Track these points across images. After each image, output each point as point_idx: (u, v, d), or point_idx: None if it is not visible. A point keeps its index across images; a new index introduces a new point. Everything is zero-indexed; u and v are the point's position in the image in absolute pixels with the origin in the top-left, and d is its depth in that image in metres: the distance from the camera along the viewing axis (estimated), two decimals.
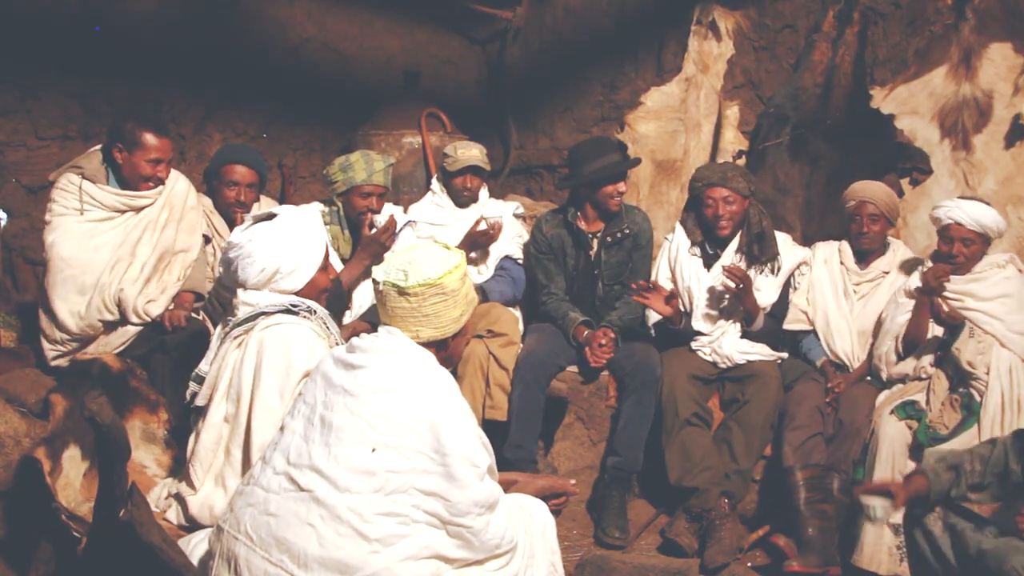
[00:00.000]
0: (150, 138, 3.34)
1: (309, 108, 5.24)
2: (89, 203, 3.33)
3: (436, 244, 2.25)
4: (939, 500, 2.54)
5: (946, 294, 3.43)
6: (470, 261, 4.00)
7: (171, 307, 3.40)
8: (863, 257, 3.80)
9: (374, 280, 2.15)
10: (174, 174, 3.52)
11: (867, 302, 3.73)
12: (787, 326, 3.83)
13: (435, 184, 4.29)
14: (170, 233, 3.46)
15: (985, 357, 3.33)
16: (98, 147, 3.46)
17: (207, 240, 3.66)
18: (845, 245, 3.83)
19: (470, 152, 4.12)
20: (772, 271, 3.75)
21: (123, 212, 3.39)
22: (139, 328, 3.37)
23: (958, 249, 3.43)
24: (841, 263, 3.82)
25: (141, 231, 3.41)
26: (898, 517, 3.09)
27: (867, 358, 3.67)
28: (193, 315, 3.51)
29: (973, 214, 3.39)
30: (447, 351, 2.20)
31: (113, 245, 3.36)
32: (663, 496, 3.68)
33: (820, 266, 3.84)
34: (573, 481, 2.59)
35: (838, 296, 3.77)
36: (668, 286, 3.86)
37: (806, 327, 3.82)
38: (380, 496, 1.93)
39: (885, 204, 3.70)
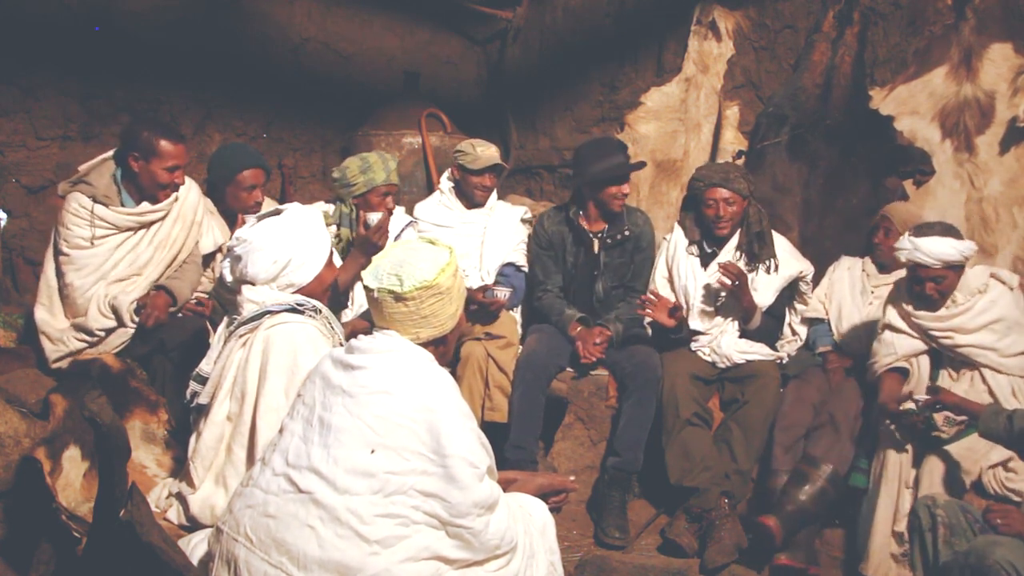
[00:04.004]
0: (167, 145, 3.33)
1: (309, 108, 5.25)
2: (101, 226, 3.33)
3: (421, 241, 2.23)
4: (987, 434, 2.84)
5: (932, 332, 3.34)
6: None
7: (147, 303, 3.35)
8: (886, 271, 3.87)
9: (367, 287, 2.12)
10: (187, 182, 3.50)
11: (882, 304, 3.76)
12: (805, 314, 3.94)
13: (444, 183, 4.28)
14: (177, 248, 3.47)
15: (975, 388, 3.28)
16: (107, 156, 3.43)
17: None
18: (869, 260, 3.96)
19: (489, 151, 4.14)
20: (768, 270, 3.75)
21: (136, 230, 3.39)
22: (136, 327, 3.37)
23: (931, 289, 3.27)
24: (863, 270, 3.94)
25: (152, 251, 3.41)
26: (902, 524, 3.12)
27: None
28: (192, 315, 3.51)
29: (932, 252, 3.20)
30: (445, 346, 2.21)
31: (125, 264, 3.37)
32: (663, 496, 3.68)
33: (843, 270, 3.99)
34: (572, 477, 2.58)
35: (854, 292, 3.89)
36: (665, 285, 3.87)
37: (822, 315, 3.93)
38: (379, 497, 1.92)
39: (902, 224, 3.71)
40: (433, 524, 1.96)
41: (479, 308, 3.83)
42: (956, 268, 3.27)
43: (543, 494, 2.38)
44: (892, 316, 3.45)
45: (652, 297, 3.68)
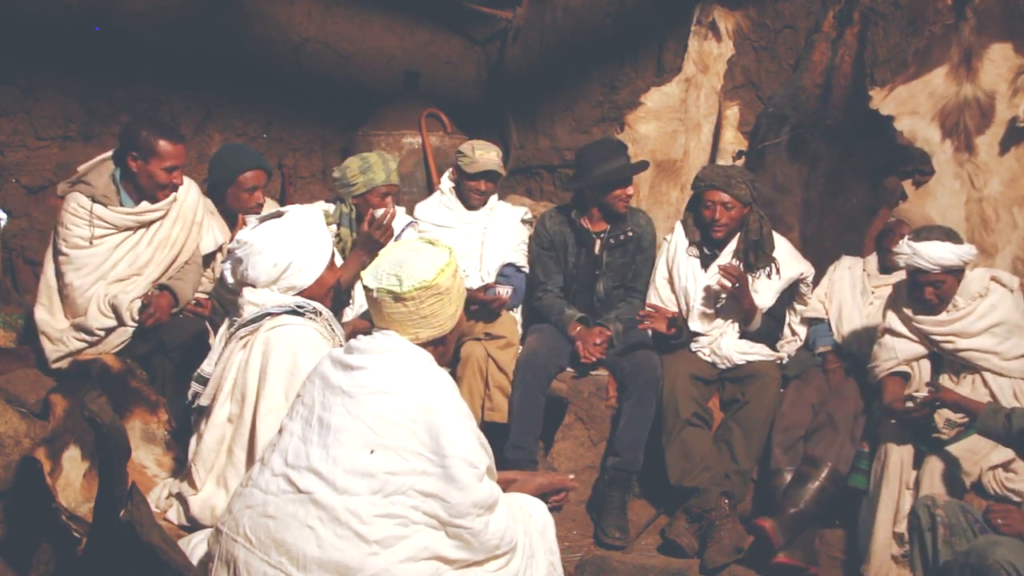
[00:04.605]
0: (165, 145, 3.32)
1: (309, 108, 5.25)
2: (100, 226, 3.32)
3: (420, 241, 2.22)
4: (985, 432, 2.87)
5: (933, 336, 3.33)
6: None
7: (150, 303, 3.34)
8: (888, 271, 3.86)
9: (366, 287, 2.11)
10: (186, 183, 3.50)
11: (883, 305, 3.76)
12: (805, 314, 3.93)
13: (444, 183, 4.27)
14: (177, 248, 3.46)
15: (976, 391, 3.27)
16: (106, 156, 3.43)
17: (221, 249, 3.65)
18: (872, 259, 3.95)
19: (488, 155, 4.10)
20: (768, 276, 3.74)
21: (135, 229, 3.39)
22: (136, 327, 3.37)
23: (930, 294, 3.27)
24: (863, 270, 3.94)
25: (152, 251, 3.41)
26: (903, 525, 3.13)
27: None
28: (192, 315, 3.51)
29: (932, 257, 3.19)
30: (445, 346, 2.20)
31: (124, 264, 3.37)
32: (663, 496, 3.68)
33: (844, 270, 3.99)
34: (572, 475, 2.58)
35: (855, 292, 3.89)
36: (666, 286, 3.87)
37: (822, 315, 3.93)
38: (379, 498, 1.92)
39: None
40: (433, 524, 1.96)
41: (480, 307, 3.83)
42: (955, 273, 3.26)
43: (543, 493, 2.38)
44: (892, 320, 3.44)
45: (650, 310, 3.68)
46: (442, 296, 2.09)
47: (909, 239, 3.29)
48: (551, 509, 2.35)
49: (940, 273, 3.22)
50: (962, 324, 3.29)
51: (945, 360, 3.36)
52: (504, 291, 3.88)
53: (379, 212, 3.56)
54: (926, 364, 3.39)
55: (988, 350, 3.26)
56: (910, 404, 3.19)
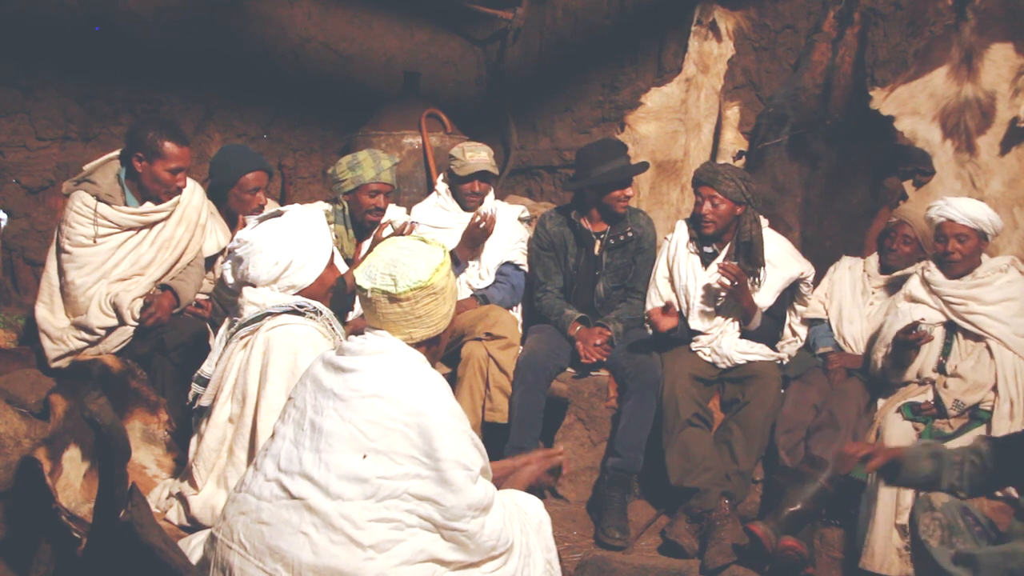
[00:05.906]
0: (171, 147, 3.33)
1: (309, 108, 5.25)
2: (104, 225, 3.32)
3: (414, 239, 2.20)
4: (916, 484, 2.53)
5: (949, 299, 3.47)
6: (468, 260, 4.03)
7: (152, 302, 3.35)
8: (888, 272, 3.90)
9: (360, 287, 2.09)
10: (191, 184, 3.50)
11: (883, 305, 3.81)
12: (805, 314, 3.96)
13: (440, 185, 4.28)
14: (180, 249, 3.47)
15: (981, 363, 3.32)
16: (113, 155, 3.43)
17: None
18: (872, 259, 4.00)
19: (479, 156, 4.11)
20: (754, 282, 3.73)
21: (138, 229, 3.39)
22: (136, 326, 3.37)
23: (953, 246, 3.45)
24: (864, 270, 3.98)
25: (155, 251, 3.41)
26: (904, 517, 3.12)
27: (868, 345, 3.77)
28: (193, 316, 3.51)
29: (964, 210, 3.43)
30: (437, 346, 2.19)
31: (127, 264, 3.37)
32: (663, 497, 3.67)
33: (844, 270, 4.03)
34: (561, 448, 2.57)
35: (855, 292, 3.93)
36: (666, 284, 3.87)
37: (822, 316, 3.96)
38: (373, 502, 1.91)
39: (921, 231, 3.82)
40: (428, 527, 1.95)
41: (469, 234, 3.95)
42: (981, 235, 3.44)
43: (537, 481, 2.38)
44: (913, 285, 3.57)
45: (652, 316, 3.68)
46: (437, 296, 2.08)
47: (946, 197, 3.51)
48: (554, 485, 2.31)
49: (967, 227, 3.40)
50: (980, 291, 3.44)
51: (959, 330, 3.44)
52: (489, 208, 3.99)
53: (398, 221, 3.59)
54: (939, 332, 3.46)
55: (1000, 319, 3.39)
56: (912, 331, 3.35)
